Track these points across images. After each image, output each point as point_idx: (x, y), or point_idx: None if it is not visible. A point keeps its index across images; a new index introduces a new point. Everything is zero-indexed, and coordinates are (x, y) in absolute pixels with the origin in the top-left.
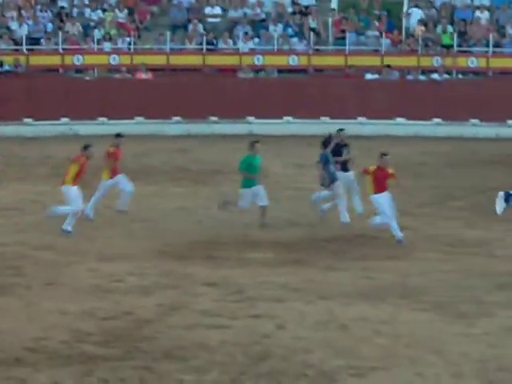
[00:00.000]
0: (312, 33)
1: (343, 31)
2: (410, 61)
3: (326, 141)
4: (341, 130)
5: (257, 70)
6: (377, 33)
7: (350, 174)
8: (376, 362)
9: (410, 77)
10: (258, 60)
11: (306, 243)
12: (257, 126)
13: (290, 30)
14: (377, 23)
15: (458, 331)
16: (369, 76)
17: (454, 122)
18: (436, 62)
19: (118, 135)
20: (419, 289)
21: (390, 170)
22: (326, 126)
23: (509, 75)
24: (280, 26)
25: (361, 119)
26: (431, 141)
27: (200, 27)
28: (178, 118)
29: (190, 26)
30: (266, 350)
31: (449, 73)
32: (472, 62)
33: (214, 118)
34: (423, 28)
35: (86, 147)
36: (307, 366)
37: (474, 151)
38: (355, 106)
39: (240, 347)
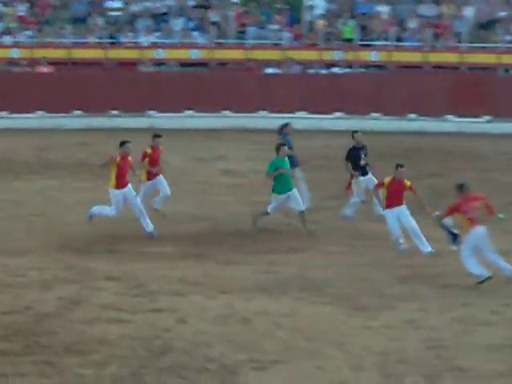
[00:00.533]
0: (213, 26)
1: (244, 25)
2: (311, 54)
3: (280, 128)
4: (356, 132)
5: (158, 63)
6: (278, 26)
7: (369, 177)
8: (277, 355)
9: (311, 70)
10: (159, 54)
11: (207, 237)
12: (158, 119)
13: (191, 24)
14: (278, 17)
15: (359, 324)
16: (269, 70)
17: (355, 115)
18: (337, 55)
19: (156, 136)
20: (321, 282)
21: (408, 183)
22: (227, 119)
23: (409, 69)
24: (181, 20)
25: (262, 113)
26: (332, 134)
27: (101, 21)
28: (79, 112)
29: (91, 20)
30: (167, 344)
31: (350, 66)
32: (373, 56)
33: (115, 112)
34: (324, 22)
35: (121, 144)
36: (209, 360)
37: (375, 144)
38: (257, 100)
39: (140, 341)
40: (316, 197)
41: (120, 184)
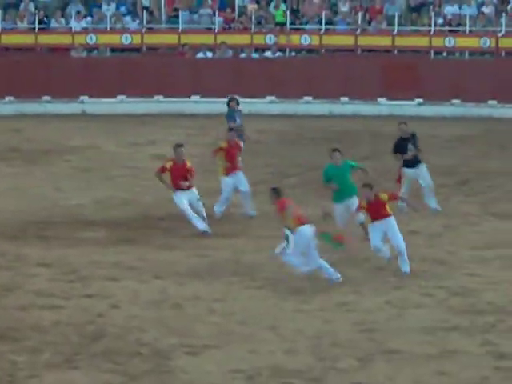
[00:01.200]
0: (145, 11)
1: (176, 10)
2: (243, 39)
3: (227, 102)
4: (401, 123)
5: (90, 49)
6: (210, 11)
7: (421, 168)
8: (210, 339)
9: (243, 55)
10: (91, 39)
11: (140, 222)
12: (90, 105)
13: (123, 9)
14: (210, 1)
15: (292, 308)
16: (200, 54)
17: (287, 99)
18: (269, 39)
19: (231, 129)
20: (254, 266)
21: (385, 197)
22: (159, 104)
23: (341, 52)
24: (113, 5)
25: (194, 97)
26: (265, 118)
27: (32, 6)
28: (10, 98)
29: (22, 5)
30: (101, 330)
31: (282, 50)
32: (305, 40)
33: (46, 98)
34: (256, 6)
35: (174, 148)
36: (142, 345)
37: (307, 128)
38: (189, 85)
39: (74, 327)
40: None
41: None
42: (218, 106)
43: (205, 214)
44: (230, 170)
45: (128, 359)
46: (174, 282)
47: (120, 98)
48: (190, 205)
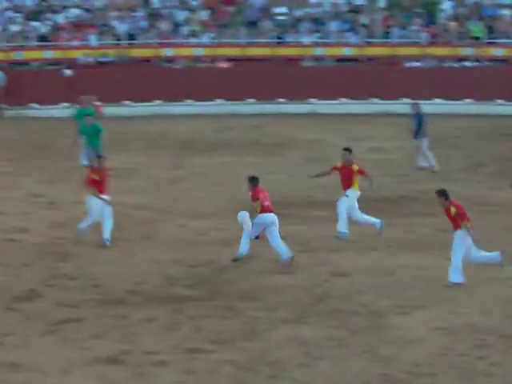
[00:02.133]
0: (363, 28)
1: (389, 26)
2: (445, 50)
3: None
4: None
5: (317, 59)
6: (418, 27)
7: None
8: (417, 301)
9: (445, 64)
10: (319, 51)
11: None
12: (318, 106)
13: (345, 26)
14: (418, 19)
15: (487, 276)
16: (410, 64)
17: (483, 101)
18: (467, 51)
19: (346, 149)
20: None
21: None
22: (375, 106)
23: None
24: (337, 22)
25: (403, 100)
26: (464, 118)
27: (270, 24)
28: (252, 100)
29: (262, 23)
30: (326, 292)
31: (478, 60)
32: (498, 52)
33: (282, 100)
34: (456, 23)
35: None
36: (360, 305)
37: (501, 126)
38: (399, 89)
39: (304, 289)
40: (449, 170)
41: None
42: (426, 107)
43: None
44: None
45: (349, 317)
46: (388, 254)
47: (342, 100)
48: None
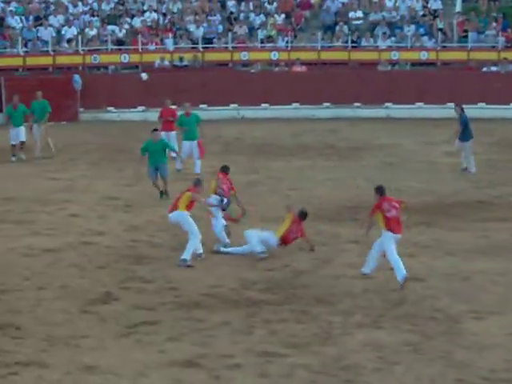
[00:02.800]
0: (439, 32)
1: (466, 31)
2: None
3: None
4: None
5: (393, 63)
6: (494, 32)
7: None
8: (494, 307)
9: None
10: (394, 55)
11: (434, 208)
12: (393, 110)
13: (421, 30)
14: (494, 24)
15: None
16: (485, 69)
17: None
18: None
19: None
20: None
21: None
22: (448, 110)
23: None
24: (413, 27)
25: (481, 104)
26: None
27: (345, 28)
28: (328, 104)
29: (337, 27)
30: (401, 297)
31: None
32: None
33: (357, 104)
34: None
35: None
36: (436, 310)
37: None
38: (476, 94)
39: (379, 294)
40: None
41: None
42: (501, 111)
43: None
44: None
45: (424, 322)
46: (463, 258)
47: (418, 104)
48: None
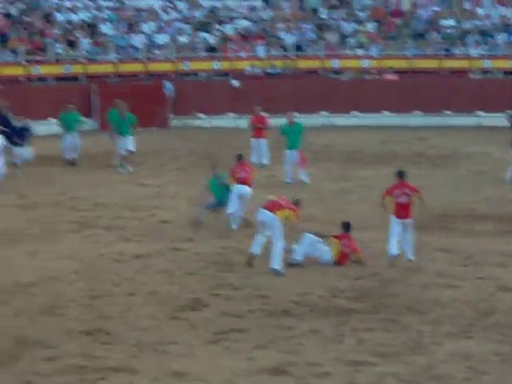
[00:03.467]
0: None
1: None
2: None
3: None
4: None
5: (484, 71)
6: None
7: None
8: None
9: None
10: (486, 64)
11: None
12: (484, 118)
13: None
14: None
15: None
16: None
17: None
18: None
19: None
20: None
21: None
22: None
23: None
24: (505, 35)
25: None
26: None
27: (437, 36)
28: (418, 112)
29: (429, 35)
30: (491, 307)
31: None
32: None
33: (447, 112)
34: None
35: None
36: None
37: None
38: None
39: (468, 304)
40: None
41: None
42: None
43: None
44: None
45: None
46: None
47: (510, 112)
48: None
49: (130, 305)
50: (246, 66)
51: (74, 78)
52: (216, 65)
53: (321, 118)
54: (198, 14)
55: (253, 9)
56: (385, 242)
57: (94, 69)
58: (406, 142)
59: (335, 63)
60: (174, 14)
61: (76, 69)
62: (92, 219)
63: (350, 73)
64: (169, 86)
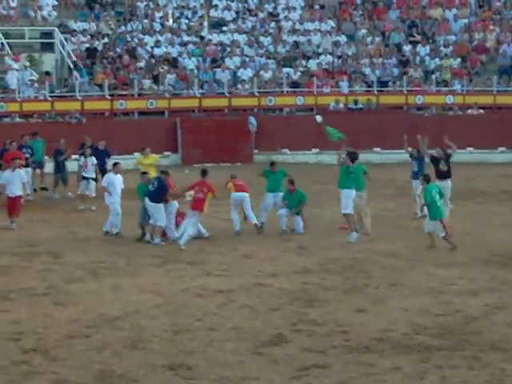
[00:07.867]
0: None
1: None
2: None
3: None
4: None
5: None
6: None
7: None
8: None
9: None
10: None
11: None
12: None
13: None
14: None
15: None
16: None
17: None
18: None
19: None
20: None
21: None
22: None
23: None
24: None
25: None
26: None
27: None
28: (503, 148)
29: None
30: None
31: None
32: None
33: None
34: None
35: None
36: None
37: None
38: None
39: None
40: None
41: None
42: None
43: None
44: None
45: None
46: None
47: None
48: None
49: (211, 340)
50: (329, 101)
51: (159, 113)
52: (299, 100)
53: (404, 154)
54: (281, 50)
55: (337, 44)
56: (470, 279)
57: (177, 103)
58: (490, 179)
59: (419, 99)
60: (257, 50)
61: (160, 103)
62: (175, 253)
63: (434, 109)
64: (253, 121)
